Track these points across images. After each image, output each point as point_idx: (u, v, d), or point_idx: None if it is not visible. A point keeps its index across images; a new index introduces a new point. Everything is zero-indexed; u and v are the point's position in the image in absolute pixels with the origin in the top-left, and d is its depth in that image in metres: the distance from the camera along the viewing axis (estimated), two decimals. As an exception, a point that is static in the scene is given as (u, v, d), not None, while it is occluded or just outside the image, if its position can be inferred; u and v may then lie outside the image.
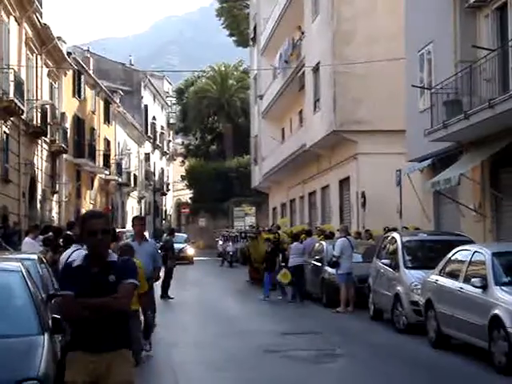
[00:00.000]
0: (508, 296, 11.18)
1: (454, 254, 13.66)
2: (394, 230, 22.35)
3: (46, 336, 6.53)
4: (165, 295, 22.97)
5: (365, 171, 29.48)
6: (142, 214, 71.37)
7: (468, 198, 21.06)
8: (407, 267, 16.14)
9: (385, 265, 17.19)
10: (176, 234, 40.42)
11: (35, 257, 10.89)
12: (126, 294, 5.46)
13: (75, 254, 10.62)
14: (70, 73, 43.54)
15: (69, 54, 42.44)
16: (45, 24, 35.70)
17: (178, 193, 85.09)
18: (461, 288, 12.48)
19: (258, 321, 18.35)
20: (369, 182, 29.07)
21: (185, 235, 50.99)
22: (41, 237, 18.57)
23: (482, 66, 18.57)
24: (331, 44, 30.40)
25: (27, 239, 18.81)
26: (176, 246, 32.11)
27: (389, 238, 18.25)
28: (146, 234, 16.62)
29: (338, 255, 19.78)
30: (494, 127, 18.18)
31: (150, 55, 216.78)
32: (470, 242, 15.92)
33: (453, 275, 13.18)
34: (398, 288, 15.94)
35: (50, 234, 19.46)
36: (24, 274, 7.32)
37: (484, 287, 11.67)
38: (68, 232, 17.16)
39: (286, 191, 45.43)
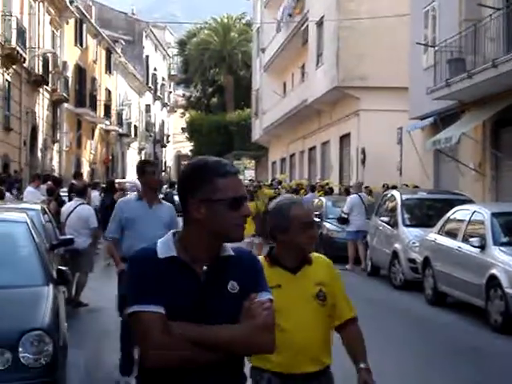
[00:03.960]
0: (506, 256, 11.32)
1: (453, 214, 13.76)
2: (394, 187, 22.41)
3: (51, 287, 6.62)
4: None
5: (366, 128, 29.45)
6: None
7: (468, 157, 21.12)
8: (406, 225, 16.26)
9: (383, 222, 17.30)
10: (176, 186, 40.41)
11: (39, 207, 10.98)
12: (268, 322, 2.84)
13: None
14: (71, 21, 43.25)
15: (71, 1, 42.09)
16: (47, -29, 35.41)
17: (178, 145, 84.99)
18: (459, 247, 12.61)
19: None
20: (369, 138, 29.06)
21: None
22: (43, 186, 18.65)
23: (487, 25, 18.49)
24: (336, -2, 30.15)
25: (29, 188, 18.88)
26: (176, 198, 32.07)
27: (388, 195, 18.34)
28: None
29: (347, 212, 19.15)
30: (496, 87, 18.18)
31: (153, 4, 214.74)
32: (470, 201, 16.03)
33: (451, 234, 13.30)
34: (396, 245, 16.07)
35: (49, 182, 19.54)
36: (29, 224, 7.39)
37: (482, 247, 11.79)
38: (73, 181, 17.29)
39: (286, 146, 45.42)
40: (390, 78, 28.16)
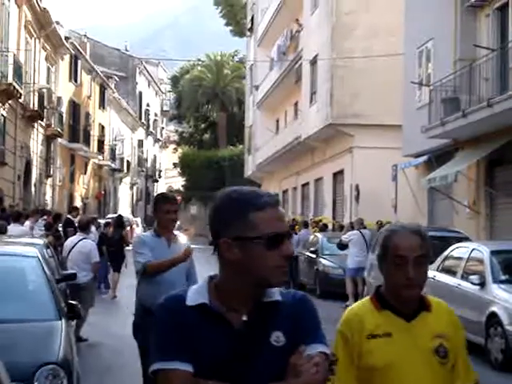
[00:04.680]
0: (506, 294, 11.40)
1: (451, 251, 13.86)
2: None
3: (64, 321, 6.68)
4: None
5: (359, 165, 29.62)
6: (134, 200, 71.40)
7: (462, 195, 21.27)
8: (403, 262, 16.29)
9: (381, 259, 17.32)
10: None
11: (42, 242, 11.01)
12: (316, 381, 2.38)
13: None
14: (66, 57, 43.56)
15: (67, 38, 42.44)
16: (44, 8, 35.66)
17: (170, 180, 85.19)
18: (459, 284, 12.69)
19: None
20: (363, 175, 29.21)
21: (177, 222, 51.06)
22: (41, 221, 18.72)
23: (482, 65, 18.76)
24: (330, 37, 30.50)
25: (27, 223, 18.92)
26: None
27: (385, 232, 18.41)
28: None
29: (346, 241, 19.48)
30: (491, 126, 18.39)
31: (145, 40, 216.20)
32: (466, 238, 16.15)
33: (450, 272, 13.38)
34: (394, 282, 16.09)
35: (45, 217, 19.69)
36: (40, 259, 7.46)
37: (482, 284, 11.88)
38: (69, 216, 17.37)
39: (279, 182, 45.57)
40: (384, 115, 28.42)
